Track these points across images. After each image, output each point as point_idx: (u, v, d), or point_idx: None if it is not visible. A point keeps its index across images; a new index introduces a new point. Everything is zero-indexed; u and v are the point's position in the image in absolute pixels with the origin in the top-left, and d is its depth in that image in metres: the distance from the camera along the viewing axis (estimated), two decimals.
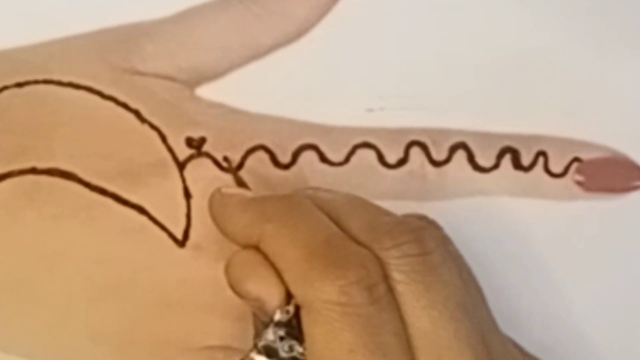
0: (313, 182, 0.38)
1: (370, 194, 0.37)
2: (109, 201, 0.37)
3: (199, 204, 0.37)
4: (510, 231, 0.39)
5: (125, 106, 0.38)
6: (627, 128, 0.39)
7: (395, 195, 0.38)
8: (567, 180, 0.39)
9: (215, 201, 0.35)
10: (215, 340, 0.37)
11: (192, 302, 0.37)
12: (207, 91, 0.38)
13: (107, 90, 0.37)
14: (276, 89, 0.39)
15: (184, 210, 0.37)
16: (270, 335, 0.32)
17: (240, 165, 0.38)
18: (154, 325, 0.37)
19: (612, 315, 0.39)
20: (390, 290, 0.32)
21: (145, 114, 0.38)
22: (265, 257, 0.33)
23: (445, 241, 0.33)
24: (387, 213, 0.34)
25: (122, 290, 0.37)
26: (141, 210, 0.37)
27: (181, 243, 0.37)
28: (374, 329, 0.31)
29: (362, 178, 0.38)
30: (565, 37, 0.39)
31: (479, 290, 0.34)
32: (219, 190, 0.36)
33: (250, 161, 0.38)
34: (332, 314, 0.31)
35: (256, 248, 0.33)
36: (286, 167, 0.38)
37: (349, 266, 0.31)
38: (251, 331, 0.35)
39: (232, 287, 0.33)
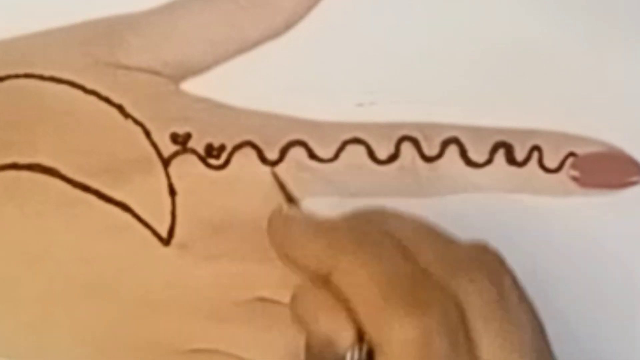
0: (302, 179, 0.37)
1: (360, 191, 0.37)
2: (92, 198, 0.36)
3: (184, 201, 0.37)
4: (504, 228, 0.38)
5: (108, 101, 0.37)
6: (623, 122, 0.39)
7: (386, 191, 0.38)
8: (562, 175, 0.38)
9: (278, 223, 0.35)
10: (202, 344, 0.36)
11: (177, 302, 0.36)
12: (192, 86, 0.38)
13: (89, 85, 0.37)
14: (263, 84, 0.38)
15: (168, 207, 0.37)
16: None
17: (227, 162, 0.37)
18: (138, 325, 0.36)
19: (607, 312, 0.38)
20: (468, 332, 0.31)
21: (128, 108, 0.37)
22: (335, 290, 0.32)
23: (514, 276, 0.33)
24: (453, 242, 0.33)
25: (106, 289, 0.36)
26: (125, 207, 0.36)
27: (166, 241, 0.36)
28: None
29: (352, 174, 0.38)
30: (560, 30, 0.39)
31: (543, 327, 0.33)
32: (280, 211, 0.35)
33: (236, 158, 0.37)
34: (409, 358, 0.30)
35: (324, 279, 0.32)
36: (274, 163, 0.37)
37: (430, 309, 0.30)
38: (239, 334, 0.35)
39: (300, 324, 0.32)
